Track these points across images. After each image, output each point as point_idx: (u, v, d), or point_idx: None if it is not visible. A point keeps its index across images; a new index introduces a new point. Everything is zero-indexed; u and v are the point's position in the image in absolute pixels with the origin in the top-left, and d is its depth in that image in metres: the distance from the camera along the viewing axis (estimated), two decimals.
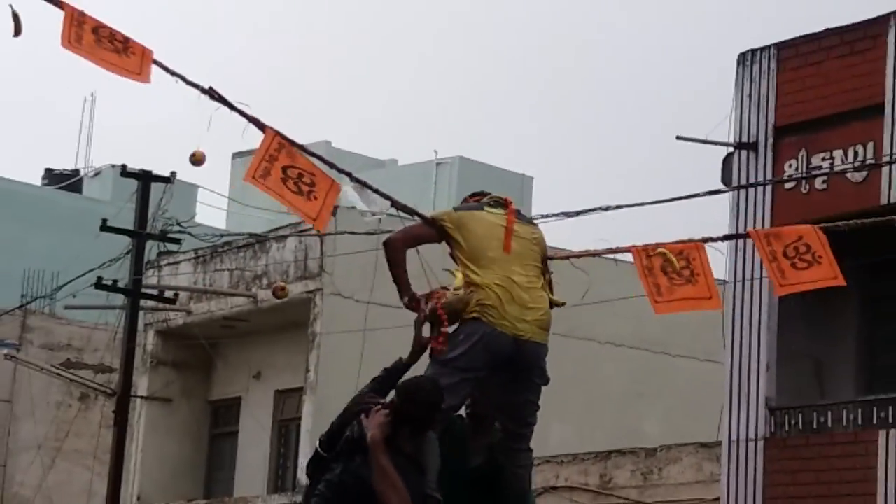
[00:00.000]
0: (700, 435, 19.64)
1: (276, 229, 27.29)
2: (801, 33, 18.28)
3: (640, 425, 21.14)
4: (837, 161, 17.50)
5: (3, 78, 78.30)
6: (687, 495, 19.55)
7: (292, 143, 8.99)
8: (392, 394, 8.03)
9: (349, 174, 9.04)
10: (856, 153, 17.34)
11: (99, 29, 8.74)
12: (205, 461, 29.44)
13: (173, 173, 24.99)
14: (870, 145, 17.22)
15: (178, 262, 27.84)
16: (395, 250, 8.50)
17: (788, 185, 17.93)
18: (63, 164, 45.67)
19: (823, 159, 17.65)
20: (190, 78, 8.90)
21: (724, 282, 18.86)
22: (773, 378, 17.75)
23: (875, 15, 17.53)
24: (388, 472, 7.49)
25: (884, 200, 17.02)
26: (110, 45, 8.76)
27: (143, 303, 25.53)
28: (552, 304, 8.60)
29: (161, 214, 25.44)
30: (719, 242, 9.40)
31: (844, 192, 17.40)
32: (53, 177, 45.40)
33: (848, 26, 17.74)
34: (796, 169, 17.88)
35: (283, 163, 8.80)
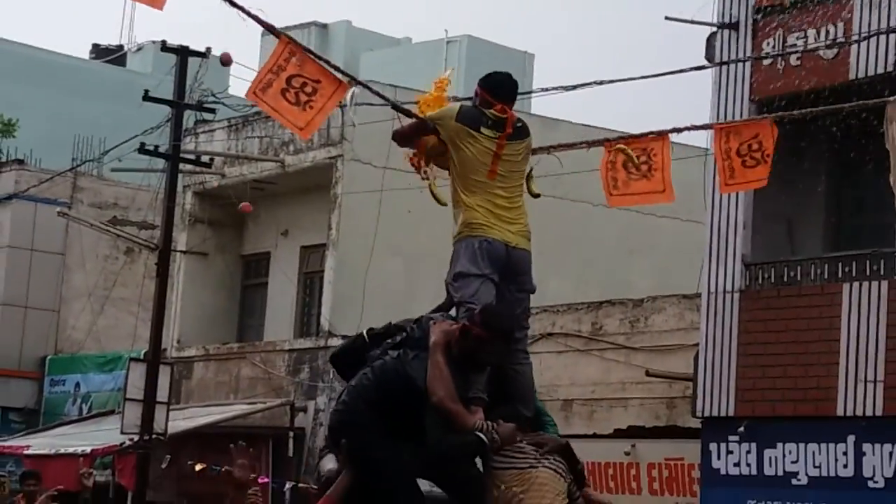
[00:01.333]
0: (683, 287, 19.63)
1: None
2: None
3: (628, 279, 21.14)
4: (811, 39, 17.34)
5: None
6: (669, 341, 19.58)
7: (305, 49, 8.84)
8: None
9: (354, 78, 8.97)
10: (827, 32, 17.16)
11: None
12: (237, 309, 29.56)
13: (209, 49, 24.81)
14: (840, 25, 17.04)
15: (213, 130, 27.75)
16: (401, 139, 8.68)
17: (766, 62, 17.78)
18: (108, 39, 45.53)
19: (798, 38, 17.48)
20: None
21: (707, 150, 18.77)
22: (749, 236, 17.72)
23: None
24: (442, 368, 7.49)
25: (852, 76, 16.90)
26: None
27: (181, 166, 25.47)
28: (530, 193, 8.62)
29: (197, 86, 25.35)
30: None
31: (817, 68, 17.26)
32: (100, 51, 45.36)
33: None
34: (773, 47, 17.72)
35: (289, 72, 8.61)
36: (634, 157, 9.00)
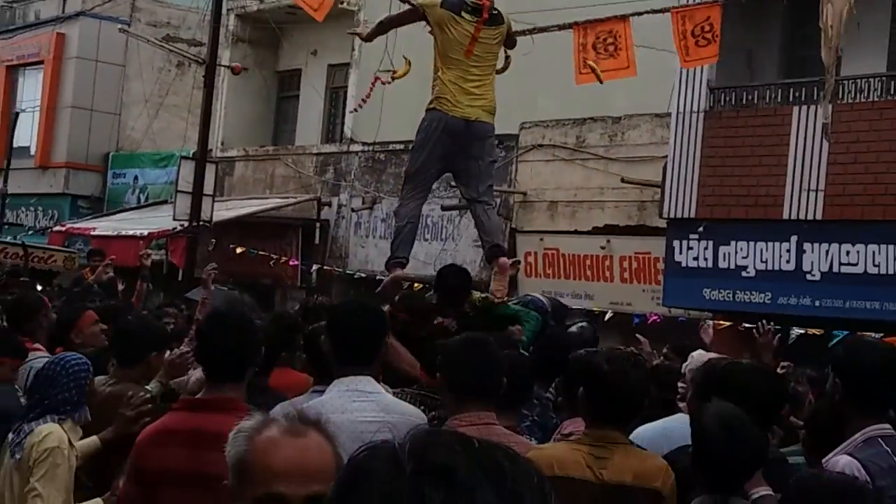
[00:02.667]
0: (655, 107, 19.49)
1: None
2: None
3: (608, 99, 20.93)
4: None
5: None
6: (642, 153, 19.55)
7: None
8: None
9: None
10: None
11: None
12: (273, 117, 29.55)
13: None
14: None
15: None
16: (385, 28, 9.27)
17: None
18: None
19: None
20: None
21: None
22: (715, 65, 17.57)
23: None
24: (397, 348, 7.11)
25: None
26: None
27: None
28: (505, 68, 9.04)
29: None
30: None
31: None
32: None
33: None
34: None
35: None
36: (598, 70, 9.22)
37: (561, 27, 9.68)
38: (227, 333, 4.86)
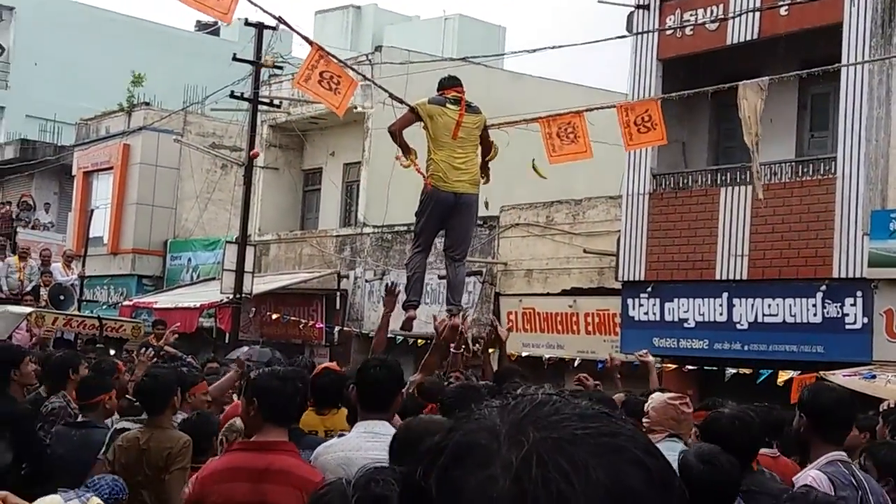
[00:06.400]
0: (609, 191, 19.63)
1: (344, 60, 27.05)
2: None
3: (571, 185, 21.08)
4: (700, 16, 17.23)
5: None
6: (600, 228, 19.63)
7: (329, 55, 9.06)
8: None
9: (364, 76, 9.22)
10: (712, 10, 17.05)
11: None
12: (300, 207, 29.59)
13: (279, 22, 24.67)
14: (720, 6, 16.92)
15: (281, 82, 27.52)
16: (396, 132, 8.86)
17: (668, 33, 17.66)
18: (207, 17, 45.11)
19: (691, 15, 17.37)
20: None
21: (626, 95, 18.73)
22: (656, 154, 17.72)
23: None
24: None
25: (728, 42, 16.82)
26: None
27: (259, 107, 25.39)
28: (488, 159, 9.05)
29: (270, 50, 25.20)
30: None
31: (703, 37, 17.17)
32: (202, 25, 44.87)
33: None
34: (674, 21, 17.59)
35: (321, 69, 8.84)
36: (542, 172, 9.42)
37: (528, 120, 9.83)
38: (283, 387, 4.80)
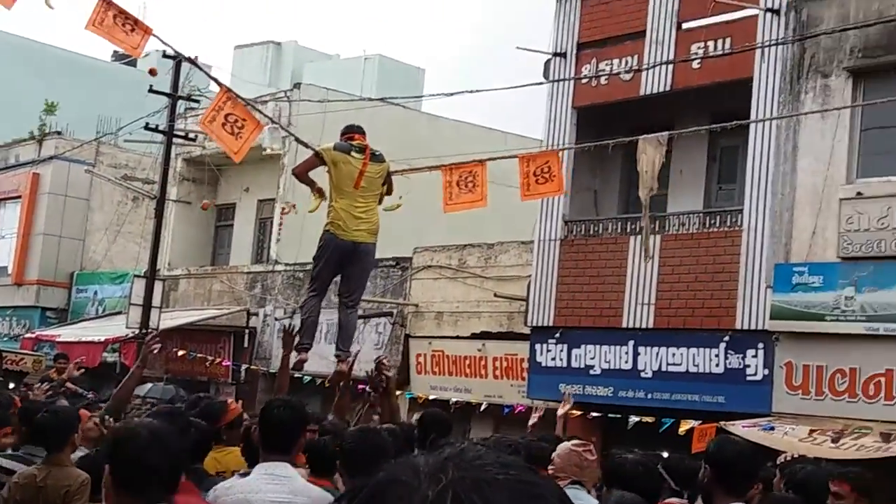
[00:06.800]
0: (522, 235, 19.74)
1: (262, 97, 26.95)
2: None
3: (484, 229, 21.19)
4: (615, 67, 17.47)
5: None
6: (511, 273, 19.69)
7: (238, 97, 9.06)
8: None
9: (271, 118, 9.16)
10: (627, 61, 17.30)
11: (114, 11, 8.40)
12: (211, 242, 29.30)
13: (196, 56, 24.44)
14: (635, 56, 17.18)
15: (197, 115, 27.17)
16: (300, 175, 9.00)
17: (583, 81, 17.88)
18: None
19: (606, 65, 17.60)
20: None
21: (541, 141, 18.91)
22: (568, 202, 17.85)
23: None
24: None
25: (642, 93, 17.05)
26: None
27: (174, 140, 25.16)
28: (389, 206, 9.19)
29: (188, 83, 25.07)
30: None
31: (618, 87, 17.40)
32: (119, 56, 44.35)
33: None
34: (590, 70, 17.81)
35: (227, 111, 8.76)
36: (393, 206, 9.55)
37: (431, 168, 9.86)
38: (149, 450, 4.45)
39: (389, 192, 9.01)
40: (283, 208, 24.79)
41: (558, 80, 18.09)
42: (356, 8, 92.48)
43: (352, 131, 8.96)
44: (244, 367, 22.79)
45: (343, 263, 8.86)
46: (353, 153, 8.71)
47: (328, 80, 30.55)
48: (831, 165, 14.71)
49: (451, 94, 18.07)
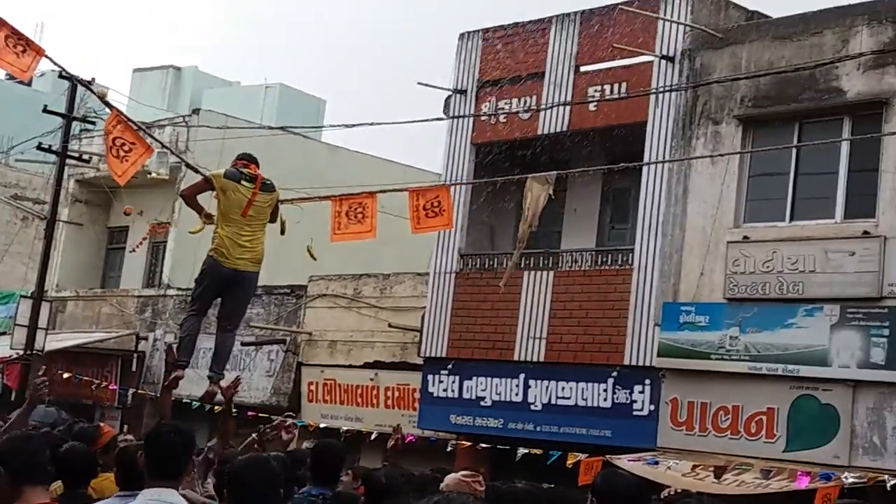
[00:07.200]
0: (418, 267, 19.83)
1: (160, 121, 26.69)
2: (500, 23, 18.39)
3: (380, 259, 21.26)
4: (514, 105, 17.70)
5: None
6: (406, 304, 19.78)
7: (130, 120, 8.98)
8: None
9: (163, 144, 9.10)
10: (525, 101, 17.55)
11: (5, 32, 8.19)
12: (102, 264, 28.80)
13: (93, 79, 24.14)
14: (534, 96, 17.44)
15: (92, 136, 26.91)
16: (187, 197, 8.86)
17: (483, 118, 18.07)
18: None
19: (505, 103, 17.83)
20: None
21: (443, 183, 19.05)
22: (465, 236, 18.03)
23: (543, 16, 17.73)
24: None
25: (539, 132, 17.28)
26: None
27: (67, 161, 24.73)
28: (282, 229, 9.05)
29: (83, 104, 24.70)
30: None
31: (516, 125, 17.63)
32: (10, 75, 43.48)
33: (528, 21, 17.89)
34: (489, 108, 18.02)
35: (115, 135, 8.69)
36: (313, 252, 9.53)
37: (322, 198, 9.85)
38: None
39: (273, 220, 8.97)
40: (126, 210, 24.43)
41: (458, 117, 18.25)
42: (258, 36, 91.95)
43: (245, 159, 8.91)
44: (131, 391, 22.46)
45: (224, 290, 8.80)
46: (243, 181, 8.66)
47: (228, 107, 30.37)
48: (720, 209, 15.11)
49: (352, 126, 18.16)
